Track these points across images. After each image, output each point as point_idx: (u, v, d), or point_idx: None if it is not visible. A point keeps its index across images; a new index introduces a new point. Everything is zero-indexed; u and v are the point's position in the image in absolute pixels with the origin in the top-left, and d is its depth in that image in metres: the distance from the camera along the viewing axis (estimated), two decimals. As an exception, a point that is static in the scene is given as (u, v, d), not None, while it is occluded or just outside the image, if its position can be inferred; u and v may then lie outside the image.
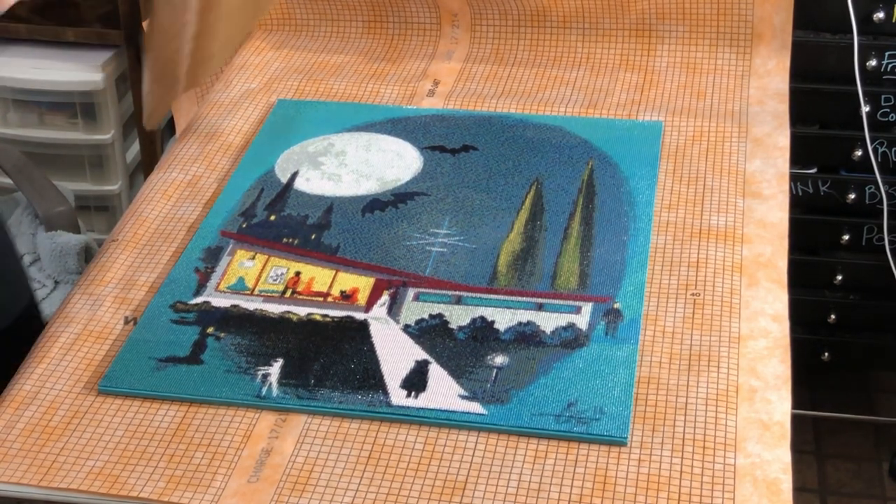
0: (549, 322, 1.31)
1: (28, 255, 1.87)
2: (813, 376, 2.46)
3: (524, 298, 1.35)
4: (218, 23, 1.52)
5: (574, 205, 1.49)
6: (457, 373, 1.26)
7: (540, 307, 1.33)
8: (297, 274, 1.40)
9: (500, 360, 1.27)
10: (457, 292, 1.37)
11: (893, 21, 1.92)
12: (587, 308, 1.33)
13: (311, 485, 1.15)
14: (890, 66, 1.95)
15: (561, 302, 1.34)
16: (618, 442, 1.18)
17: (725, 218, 1.45)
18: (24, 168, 2.01)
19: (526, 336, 1.30)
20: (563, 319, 1.32)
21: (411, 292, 1.37)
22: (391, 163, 1.59)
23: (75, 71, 2.26)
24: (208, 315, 1.34)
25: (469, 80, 1.77)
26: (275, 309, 1.35)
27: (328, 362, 1.27)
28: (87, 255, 1.86)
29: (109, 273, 1.42)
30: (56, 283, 1.83)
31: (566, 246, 1.42)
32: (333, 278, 1.40)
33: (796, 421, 1.23)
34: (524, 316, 1.33)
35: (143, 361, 1.28)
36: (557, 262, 1.40)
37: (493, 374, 1.25)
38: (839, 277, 2.15)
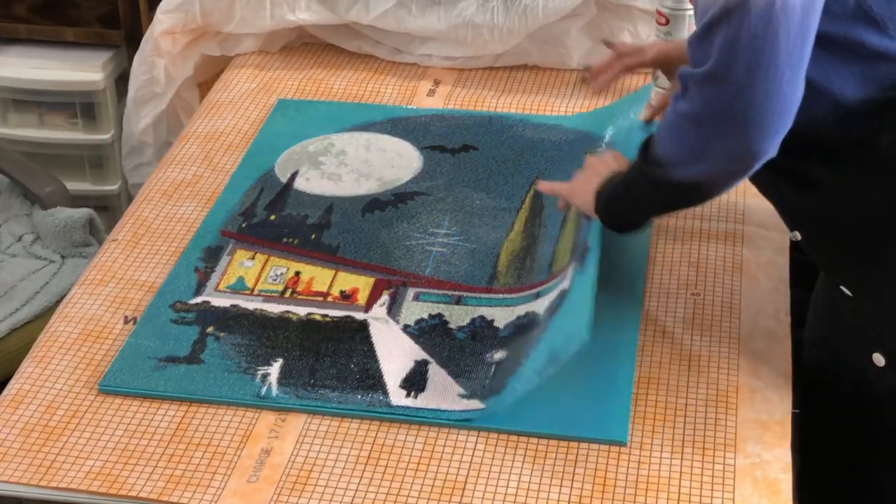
0: (543, 304, 1.31)
1: (28, 234, 1.87)
2: (813, 376, 2.46)
3: (523, 293, 1.35)
4: None
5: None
6: (456, 372, 1.26)
7: (537, 295, 1.33)
8: (297, 274, 1.40)
9: (498, 355, 1.27)
10: (457, 292, 1.37)
11: (894, 21, 1.92)
12: (570, 268, 1.32)
13: (311, 485, 1.15)
14: (890, 66, 1.94)
15: (555, 280, 1.33)
16: (617, 442, 1.17)
17: (725, 218, 1.45)
18: (5, 154, 2.02)
19: (523, 327, 1.30)
20: (555, 294, 1.31)
21: (411, 292, 1.37)
22: (391, 162, 1.59)
23: (75, 71, 2.25)
24: (208, 315, 1.34)
25: (469, 80, 1.77)
26: (274, 309, 1.35)
27: (328, 362, 1.27)
28: (92, 228, 1.87)
29: (109, 273, 1.42)
30: (63, 257, 1.83)
31: (563, 232, 1.41)
32: (333, 278, 1.39)
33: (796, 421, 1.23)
34: (522, 309, 1.32)
35: (143, 361, 1.28)
36: (555, 250, 1.39)
37: (492, 370, 1.25)
38: (839, 278, 2.15)
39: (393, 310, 1.34)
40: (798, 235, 1.21)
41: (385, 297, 1.36)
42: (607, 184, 1.27)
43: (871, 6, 1.08)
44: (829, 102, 1.10)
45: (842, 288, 1.18)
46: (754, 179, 1.21)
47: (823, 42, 1.06)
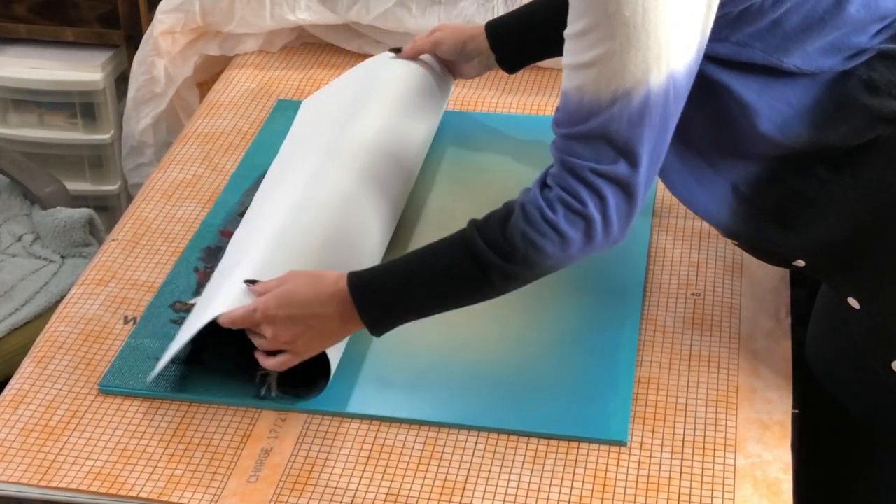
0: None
1: (28, 234, 1.87)
2: (813, 376, 2.46)
3: None
4: None
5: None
6: (457, 373, 1.26)
7: None
8: (297, 274, 1.40)
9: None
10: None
11: (894, 21, 1.92)
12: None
13: (311, 485, 1.15)
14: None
15: None
16: (617, 442, 1.17)
17: (725, 218, 1.45)
18: (5, 154, 2.02)
19: None
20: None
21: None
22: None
23: (75, 71, 2.26)
24: (208, 315, 1.34)
25: (469, 80, 1.77)
26: (274, 309, 1.34)
27: (327, 362, 1.27)
28: (92, 228, 1.87)
29: (109, 273, 1.42)
30: (63, 257, 1.83)
31: None
32: (333, 278, 1.39)
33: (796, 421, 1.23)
34: None
35: (143, 361, 1.28)
36: None
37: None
38: (839, 278, 2.15)
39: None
40: (801, 263, 1.19)
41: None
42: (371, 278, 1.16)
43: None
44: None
45: (849, 300, 1.17)
46: (735, 239, 1.23)
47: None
